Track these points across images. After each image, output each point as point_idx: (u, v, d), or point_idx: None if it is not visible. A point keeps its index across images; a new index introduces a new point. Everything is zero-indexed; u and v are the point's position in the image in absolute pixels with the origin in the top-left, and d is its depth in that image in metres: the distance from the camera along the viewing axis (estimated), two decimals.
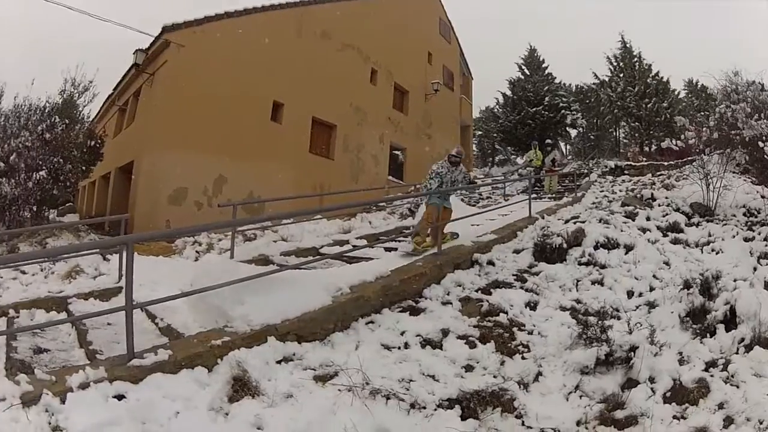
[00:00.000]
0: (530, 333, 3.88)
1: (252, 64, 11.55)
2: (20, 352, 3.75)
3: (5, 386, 2.68)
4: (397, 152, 17.24)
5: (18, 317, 4.79)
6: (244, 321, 3.41)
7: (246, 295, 3.55)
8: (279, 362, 3.19)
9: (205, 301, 3.67)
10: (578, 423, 2.90)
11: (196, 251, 7.75)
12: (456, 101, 20.16)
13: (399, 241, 6.71)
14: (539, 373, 3.39)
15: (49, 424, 2.51)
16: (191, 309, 3.89)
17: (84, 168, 10.05)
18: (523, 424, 2.88)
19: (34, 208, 9.42)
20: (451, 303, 4.24)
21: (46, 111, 9.90)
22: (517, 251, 5.65)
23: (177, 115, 10.47)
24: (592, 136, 28.01)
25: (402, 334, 3.66)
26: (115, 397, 2.66)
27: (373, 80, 15.46)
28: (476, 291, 4.50)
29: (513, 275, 4.95)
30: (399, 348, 3.51)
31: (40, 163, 9.09)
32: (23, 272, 6.58)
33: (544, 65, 26.12)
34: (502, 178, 16.39)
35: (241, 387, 2.85)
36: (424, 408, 2.85)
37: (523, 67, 26.22)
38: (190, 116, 10.48)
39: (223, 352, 3.09)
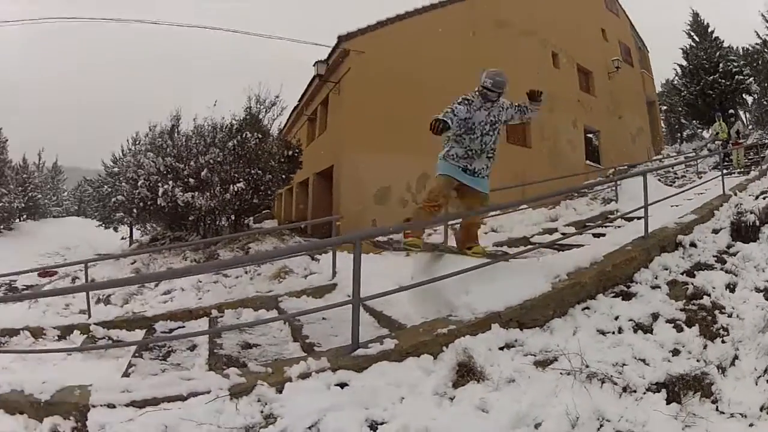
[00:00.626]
0: (729, 316, 4.31)
1: (434, 61, 13.54)
2: (226, 348, 4.80)
3: (211, 379, 3.49)
4: (590, 135, 19.30)
5: (222, 317, 6.20)
6: (468, 309, 4.08)
7: (470, 284, 4.27)
8: (501, 348, 3.76)
9: (428, 292, 4.45)
10: (761, 408, 3.20)
11: None
12: (638, 76, 22.10)
13: (606, 226, 7.61)
14: (735, 357, 3.77)
15: (261, 412, 3.18)
16: (412, 300, 4.75)
17: (284, 177, 12.61)
18: (717, 409, 3.25)
19: (232, 217, 12.12)
20: (659, 287, 4.76)
21: (234, 128, 12.54)
22: (715, 231, 6.12)
23: (369, 118, 13.01)
24: (766, 102, 28.77)
25: (615, 318, 4.20)
26: (337, 385, 3.34)
27: (555, 64, 17.46)
28: (681, 274, 5.05)
29: (713, 256, 5.46)
30: (613, 333, 4.04)
31: (236, 175, 11.58)
32: (225, 275, 8.43)
33: (710, 29, 27.85)
34: (693, 154, 17.67)
35: (466, 372, 3.42)
36: (635, 392, 3.30)
37: (692, 34, 28.31)
38: (381, 118, 12.72)
39: (448, 339, 3.72)
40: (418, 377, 3.39)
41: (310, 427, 2.96)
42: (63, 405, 3.66)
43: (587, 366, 3.43)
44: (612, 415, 3.03)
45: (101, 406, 3.44)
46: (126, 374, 4.43)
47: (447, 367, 3.44)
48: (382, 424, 3.00)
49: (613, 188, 10.76)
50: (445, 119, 4.46)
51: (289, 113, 18.18)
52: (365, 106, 13.00)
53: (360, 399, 3.15)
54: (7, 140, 28.36)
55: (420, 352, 3.63)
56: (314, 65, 14.26)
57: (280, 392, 3.32)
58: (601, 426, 3.00)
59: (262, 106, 13.08)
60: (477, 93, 4.77)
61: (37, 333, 6.49)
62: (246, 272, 8.45)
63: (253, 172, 11.65)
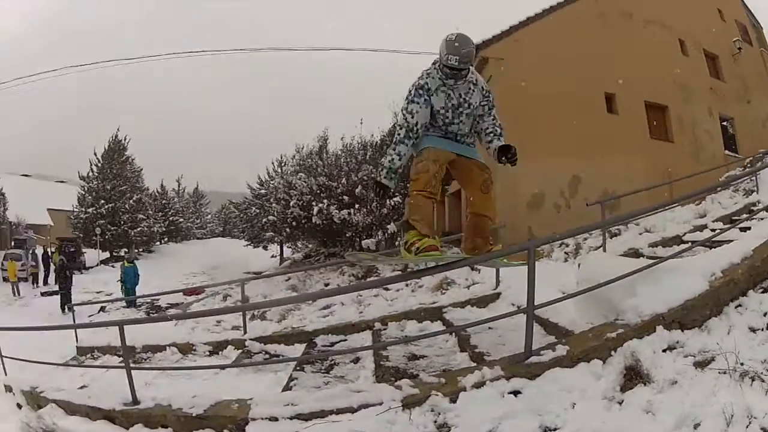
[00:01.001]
0: None
1: (570, 61, 15.15)
2: (392, 360, 5.51)
3: (383, 391, 4.04)
4: (724, 123, 19.92)
5: (385, 329, 7.12)
6: (635, 312, 4.41)
7: (636, 286, 4.60)
8: (664, 350, 4.04)
9: (594, 297, 4.82)
10: None
11: (565, 253, 10.39)
12: (758, 56, 22.30)
13: (751, 219, 7.71)
14: None
15: (435, 422, 3.67)
16: (577, 306, 5.14)
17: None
18: None
19: (389, 232, 13.75)
20: None
21: (385, 144, 14.39)
22: None
23: (516, 124, 14.23)
24: None
25: (764, 315, 4.30)
26: (511, 393, 3.78)
27: (684, 51, 18.51)
28: None
29: None
30: (762, 329, 4.16)
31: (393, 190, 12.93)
32: (386, 289, 9.58)
33: None
34: None
35: (634, 376, 3.78)
36: None
37: None
38: (527, 122, 13.88)
39: (616, 343, 4.09)
40: (588, 382, 3.78)
41: None
42: (217, 419, 4.36)
43: (741, 364, 3.65)
44: (758, 413, 3.21)
45: (262, 419, 4.07)
46: (287, 388, 5.18)
47: (615, 371, 3.81)
48: (554, 430, 3.41)
49: (753, 178, 11.19)
50: (385, 183, 4.31)
51: None
52: (511, 113, 14.29)
53: (533, 406, 3.58)
54: (141, 169, 35.87)
55: (590, 358, 4.03)
56: None
57: (454, 402, 3.79)
58: (749, 423, 3.19)
59: None
60: (436, 68, 4.17)
61: (186, 349, 7.71)
62: (407, 285, 9.38)
63: (409, 185, 12.65)
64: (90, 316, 16.12)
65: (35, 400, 6.58)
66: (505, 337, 5.38)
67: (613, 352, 4.03)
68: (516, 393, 3.76)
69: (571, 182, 15.00)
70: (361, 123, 15.38)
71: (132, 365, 5.57)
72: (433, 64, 4.17)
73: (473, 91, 4.24)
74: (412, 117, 4.12)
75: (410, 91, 4.16)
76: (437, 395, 3.84)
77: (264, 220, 22.26)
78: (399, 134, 4.22)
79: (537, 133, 13.84)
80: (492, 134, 4.39)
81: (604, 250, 8.45)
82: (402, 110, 4.24)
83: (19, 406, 6.94)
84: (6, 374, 8.23)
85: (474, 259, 4.74)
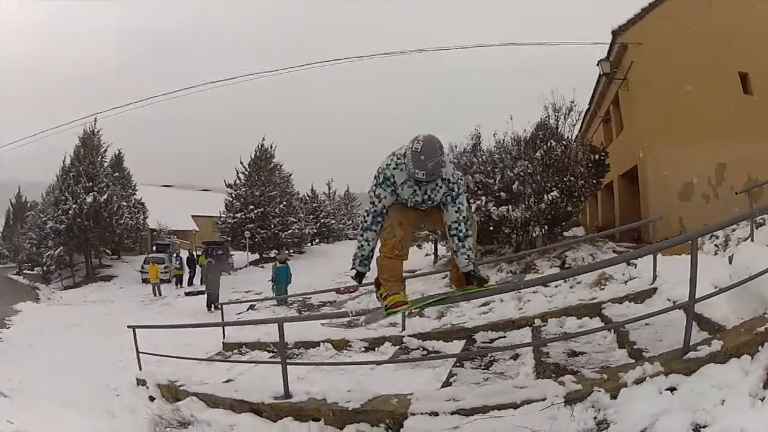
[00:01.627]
0: None
1: (704, 40, 16.64)
2: (553, 357, 6.47)
3: (547, 387, 4.89)
4: None
5: (545, 326, 8.21)
6: None
7: None
8: None
9: (745, 291, 5.45)
10: None
11: (715, 245, 11.17)
12: None
13: None
14: None
15: (595, 419, 4.46)
16: (729, 300, 5.81)
17: (594, 182, 16.01)
18: None
19: (545, 228, 15.64)
20: None
21: (538, 138, 16.25)
22: None
23: (662, 111, 16.18)
24: None
25: None
26: (668, 389, 4.44)
27: None
28: None
29: None
30: None
31: (550, 185, 15.06)
32: (545, 285, 10.59)
33: None
34: None
35: None
36: None
37: None
38: (674, 109, 16.23)
39: (764, 338, 4.58)
40: (737, 378, 4.32)
41: None
42: (374, 413, 5.35)
43: None
44: None
45: (421, 414, 5.05)
46: (447, 384, 6.28)
47: (761, 367, 4.31)
48: (704, 427, 4.00)
49: None
50: (361, 270, 5.18)
51: (581, 117, 21.35)
52: (655, 99, 16.24)
53: (687, 402, 4.22)
54: (290, 174, 42.49)
55: (740, 353, 4.55)
56: (598, 64, 18.29)
57: (615, 398, 4.58)
58: None
59: (559, 114, 16.87)
60: (404, 163, 4.76)
61: (341, 345, 9.40)
62: (565, 281, 10.48)
63: (566, 179, 15.01)
64: (238, 314, 18.99)
65: (173, 393, 8.14)
66: (662, 333, 6.18)
67: (760, 347, 4.49)
68: (672, 389, 4.41)
69: (717, 170, 16.76)
70: (511, 119, 17.02)
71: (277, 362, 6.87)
72: (403, 155, 4.75)
73: (440, 187, 4.90)
74: (379, 202, 4.94)
75: (378, 176, 4.90)
76: (599, 391, 4.61)
77: None
78: (366, 221, 5.04)
79: (681, 119, 16.16)
80: (458, 239, 5.07)
81: (752, 241, 8.98)
82: (369, 192, 5.03)
83: (152, 399, 8.61)
84: (141, 369, 10.06)
85: (450, 297, 5.86)
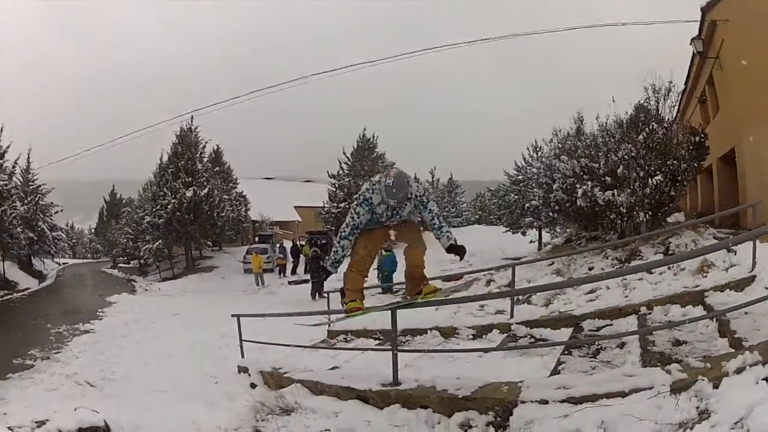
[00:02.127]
0: None
1: None
2: (658, 345, 6.76)
3: (654, 375, 5.14)
4: None
5: (650, 314, 8.47)
6: None
7: None
8: None
9: None
10: None
11: None
12: None
13: None
14: None
15: (697, 408, 4.66)
16: None
17: (695, 165, 16.02)
18: None
19: (649, 213, 15.60)
20: None
21: (640, 120, 16.40)
22: None
23: (758, 91, 15.80)
24: None
25: None
26: (764, 379, 4.56)
27: None
28: None
29: None
30: None
31: (653, 168, 15.22)
32: (650, 272, 10.79)
33: None
34: None
35: None
36: None
37: None
38: (763, 88, 15.73)
39: None
40: None
41: (736, 423, 4.25)
42: (484, 401, 5.64)
43: None
44: None
45: (531, 402, 5.33)
46: (555, 372, 6.61)
47: None
48: None
49: None
50: (330, 270, 6.71)
51: (678, 98, 21.44)
52: (750, 78, 15.91)
53: None
54: (394, 163, 43.07)
55: None
56: (691, 43, 18.34)
57: (717, 387, 4.72)
58: None
59: (658, 95, 16.89)
60: (379, 190, 6.19)
61: (449, 333, 9.80)
62: (669, 268, 10.67)
63: (669, 163, 15.13)
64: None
65: (276, 380, 8.62)
66: (759, 322, 6.34)
67: None
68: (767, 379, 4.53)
69: None
70: (614, 101, 17.23)
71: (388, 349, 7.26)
72: (378, 183, 6.23)
73: (407, 204, 6.41)
74: (358, 217, 6.35)
75: (359, 198, 6.35)
76: (703, 380, 4.76)
77: (527, 205, 29.45)
78: (345, 231, 6.46)
79: None
80: (436, 229, 6.61)
81: None
82: (351, 209, 6.46)
83: (253, 386, 9.14)
84: (243, 356, 10.72)
85: (403, 304, 7.58)
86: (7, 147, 33.06)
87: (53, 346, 17.35)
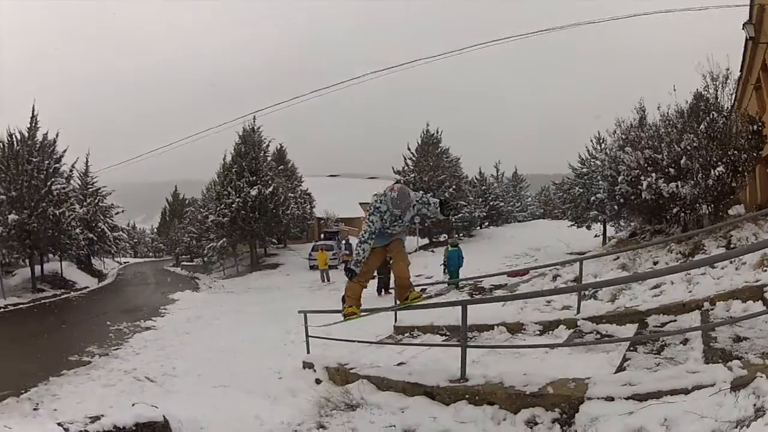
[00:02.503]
0: None
1: None
2: (720, 342, 6.85)
3: (716, 372, 5.21)
4: None
5: (713, 309, 8.51)
6: None
7: None
8: None
9: None
10: None
11: None
12: None
13: None
14: None
15: (754, 405, 4.68)
16: None
17: (755, 154, 15.78)
18: None
19: (711, 205, 15.64)
20: None
21: (701, 109, 16.30)
22: None
23: None
24: None
25: None
26: None
27: None
28: None
29: None
30: None
31: (715, 159, 15.12)
32: (712, 267, 10.80)
33: None
34: None
35: None
36: None
37: None
38: None
39: None
40: None
41: None
42: (550, 397, 5.76)
43: None
44: None
45: (597, 399, 5.44)
46: (621, 368, 6.72)
47: None
48: None
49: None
50: (355, 270, 7.67)
51: (735, 85, 20.96)
52: None
53: None
54: (459, 158, 44.77)
55: None
56: (743, 27, 17.79)
57: None
58: None
59: (717, 83, 16.69)
60: (385, 197, 7.40)
61: (515, 328, 9.97)
62: (731, 262, 10.60)
63: (729, 153, 15.05)
64: None
65: (342, 376, 8.86)
66: None
67: None
68: None
69: None
70: (675, 90, 17.24)
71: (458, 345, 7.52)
72: (384, 195, 7.44)
73: (409, 211, 7.60)
74: (373, 225, 7.48)
75: (374, 206, 7.53)
76: (761, 377, 4.72)
77: (591, 198, 30.34)
78: (364, 236, 7.55)
79: None
80: (429, 204, 7.78)
81: None
82: (365, 218, 7.73)
83: (318, 382, 9.36)
84: (309, 352, 10.99)
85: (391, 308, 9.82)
86: (64, 151, 34.45)
87: (113, 342, 17.75)
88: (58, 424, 7.47)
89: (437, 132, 44.15)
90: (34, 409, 10.35)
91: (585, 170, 35.66)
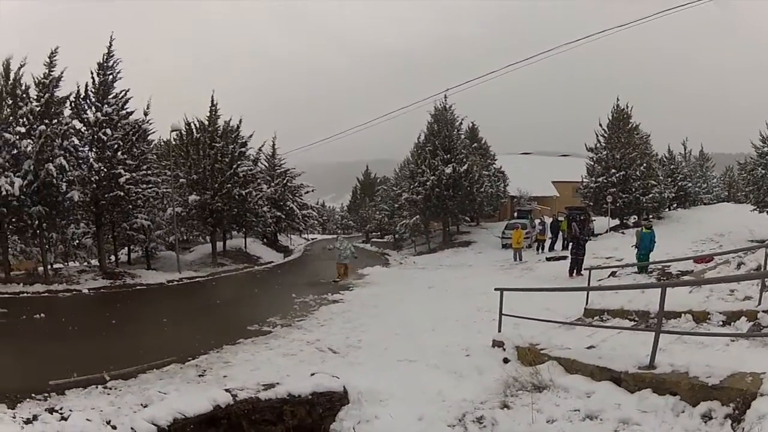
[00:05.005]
0: None
1: None
2: None
3: None
4: None
5: None
6: None
7: None
8: None
9: None
10: None
11: None
12: None
13: None
14: None
15: None
16: None
17: None
18: None
19: None
20: None
21: None
22: None
23: None
24: None
25: None
26: None
27: None
28: None
29: None
30: None
31: None
32: None
33: None
34: None
35: None
36: None
37: None
38: None
39: None
40: None
41: None
42: (728, 390, 5.89)
43: None
44: None
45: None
46: None
47: None
48: None
49: None
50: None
51: None
52: None
53: None
54: (649, 135, 44.25)
55: None
56: None
57: None
58: None
59: None
60: None
61: (701, 317, 10.23)
62: None
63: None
64: (599, 280, 20.60)
65: (532, 356, 9.43)
66: None
67: None
68: None
69: None
70: None
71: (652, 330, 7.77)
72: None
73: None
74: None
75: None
76: None
77: None
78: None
79: None
80: None
81: None
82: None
83: (506, 361, 10.11)
84: (500, 331, 11.63)
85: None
86: (250, 136, 39.04)
87: (297, 314, 19.09)
88: (226, 389, 8.50)
89: (627, 106, 42.84)
90: (200, 375, 11.34)
91: (767, 149, 34.08)
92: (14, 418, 7.72)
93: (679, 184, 49.72)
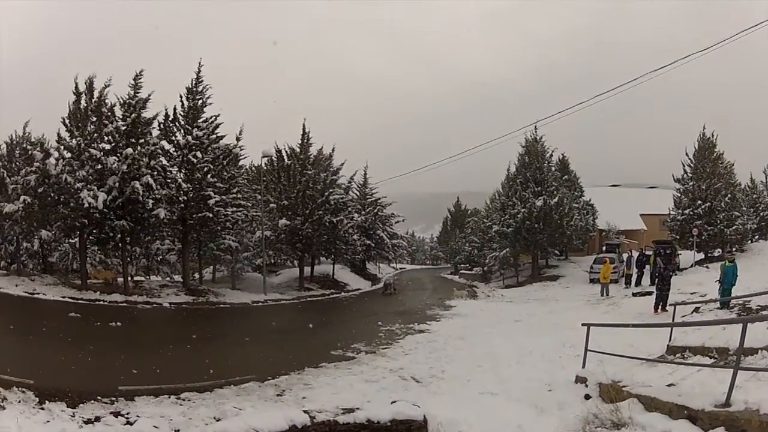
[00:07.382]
0: None
1: None
2: None
3: None
4: None
5: None
6: None
7: None
8: None
9: None
10: None
11: None
12: None
13: None
14: None
15: None
16: None
17: None
18: None
19: None
20: None
21: None
22: None
23: None
24: None
25: None
26: None
27: None
28: None
29: None
30: None
31: None
32: None
33: None
34: None
35: None
36: None
37: None
38: None
39: None
40: None
41: None
42: None
43: None
44: None
45: None
46: None
47: None
48: None
49: None
50: None
51: None
52: None
53: None
54: (733, 164, 43.38)
55: None
56: None
57: None
58: None
59: None
60: None
61: None
62: None
63: None
64: (683, 316, 20.21)
65: (613, 393, 9.56)
66: None
67: None
68: None
69: None
70: None
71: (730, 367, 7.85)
72: None
73: None
74: None
75: None
76: None
77: None
78: None
79: None
80: None
81: None
82: None
83: (587, 397, 10.34)
84: (584, 367, 11.83)
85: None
86: (342, 164, 41.30)
87: (382, 342, 19.61)
88: (304, 411, 8.73)
89: (712, 135, 41.74)
90: (278, 395, 11.77)
91: None
92: (73, 416, 8.32)
93: (761, 214, 49.16)
